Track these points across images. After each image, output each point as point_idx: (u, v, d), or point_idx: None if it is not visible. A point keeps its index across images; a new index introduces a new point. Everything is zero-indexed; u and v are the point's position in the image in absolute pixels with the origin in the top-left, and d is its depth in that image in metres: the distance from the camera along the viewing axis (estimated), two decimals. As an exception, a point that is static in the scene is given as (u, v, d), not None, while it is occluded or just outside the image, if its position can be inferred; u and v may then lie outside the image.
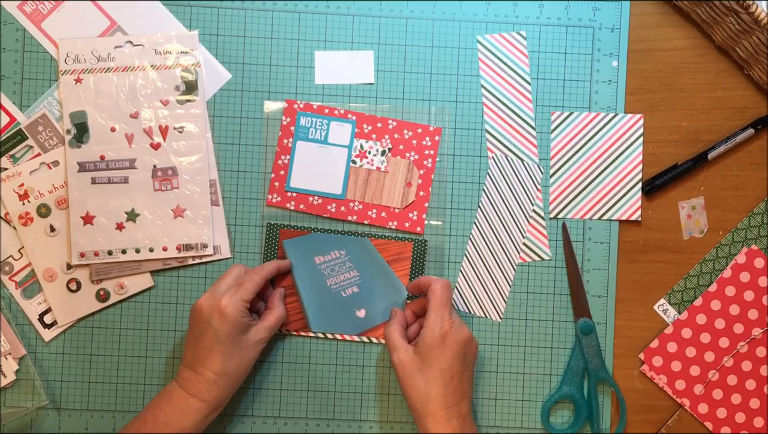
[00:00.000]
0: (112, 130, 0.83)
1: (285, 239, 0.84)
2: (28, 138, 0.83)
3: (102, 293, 0.83)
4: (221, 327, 0.75)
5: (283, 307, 0.82)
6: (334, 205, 0.84)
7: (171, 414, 0.75)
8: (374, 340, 0.84)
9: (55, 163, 0.83)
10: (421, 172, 0.85)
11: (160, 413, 0.75)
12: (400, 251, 0.84)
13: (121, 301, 0.84)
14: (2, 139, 0.83)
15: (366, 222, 0.84)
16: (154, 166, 0.83)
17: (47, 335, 0.83)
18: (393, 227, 0.84)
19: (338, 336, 0.84)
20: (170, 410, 0.75)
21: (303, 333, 0.84)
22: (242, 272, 0.79)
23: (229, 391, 0.77)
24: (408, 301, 0.84)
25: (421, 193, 0.85)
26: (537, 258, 0.85)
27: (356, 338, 0.84)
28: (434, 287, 0.77)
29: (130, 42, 0.83)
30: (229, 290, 0.76)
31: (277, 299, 0.82)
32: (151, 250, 0.83)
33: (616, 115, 0.86)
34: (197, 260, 0.84)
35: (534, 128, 0.86)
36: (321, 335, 0.84)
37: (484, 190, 0.85)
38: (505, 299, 0.85)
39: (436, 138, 0.85)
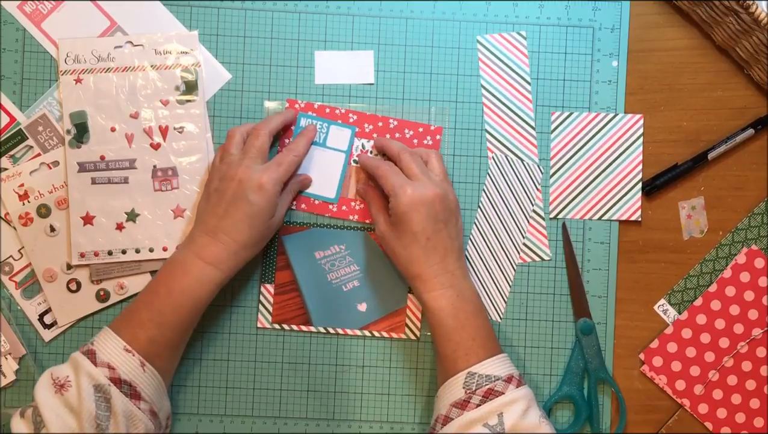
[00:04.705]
0: (112, 130, 0.83)
1: (284, 234, 0.84)
2: (28, 138, 0.83)
3: (102, 293, 0.83)
4: (258, 202, 0.75)
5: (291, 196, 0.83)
6: (335, 205, 0.84)
7: (186, 284, 0.74)
8: (376, 334, 0.84)
9: (55, 163, 0.83)
10: (421, 172, 0.84)
11: (174, 284, 0.74)
12: (400, 248, 0.84)
13: (121, 301, 0.84)
14: (2, 139, 0.83)
15: (368, 222, 0.84)
16: (154, 166, 0.83)
17: (47, 335, 0.83)
18: (393, 227, 0.84)
19: (340, 331, 0.84)
20: (186, 281, 0.74)
21: (305, 328, 0.84)
22: (265, 139, 0.78)
23: (242, 264, 0.77)
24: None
25: (421, 193, 0.84)
26: (537, 258, 0.85)
27: (358, 332, 0.84)
28: (391, 154, 0.81)
29: (130, 42, 0.83)
30: (269, 168, 0.76)
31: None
32: (151, 250, 0.83)
33: (616, 115, 0.86)
34: (197, 260, 0.84)
35: (534, 128, 0.86)
36: (323, 330, 0.84)
37: (484, 190, 0.85)
38: (505, 299, 0.85)
39: (438, 137, 0.85)
